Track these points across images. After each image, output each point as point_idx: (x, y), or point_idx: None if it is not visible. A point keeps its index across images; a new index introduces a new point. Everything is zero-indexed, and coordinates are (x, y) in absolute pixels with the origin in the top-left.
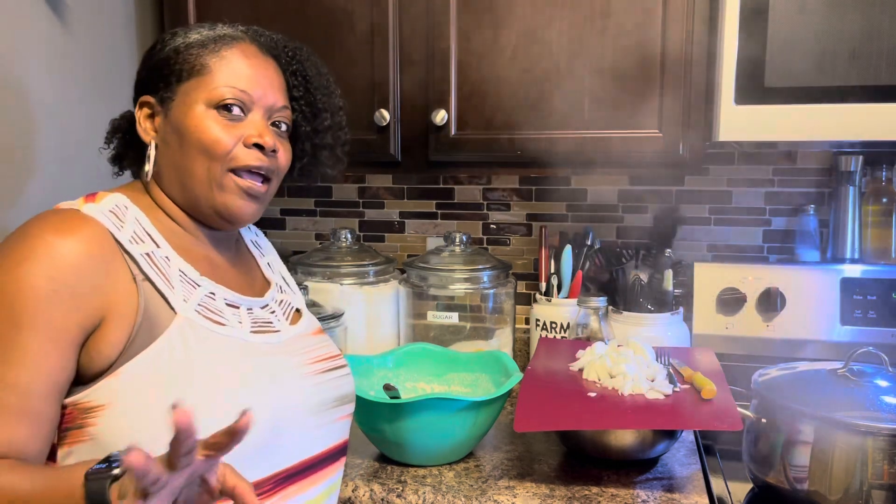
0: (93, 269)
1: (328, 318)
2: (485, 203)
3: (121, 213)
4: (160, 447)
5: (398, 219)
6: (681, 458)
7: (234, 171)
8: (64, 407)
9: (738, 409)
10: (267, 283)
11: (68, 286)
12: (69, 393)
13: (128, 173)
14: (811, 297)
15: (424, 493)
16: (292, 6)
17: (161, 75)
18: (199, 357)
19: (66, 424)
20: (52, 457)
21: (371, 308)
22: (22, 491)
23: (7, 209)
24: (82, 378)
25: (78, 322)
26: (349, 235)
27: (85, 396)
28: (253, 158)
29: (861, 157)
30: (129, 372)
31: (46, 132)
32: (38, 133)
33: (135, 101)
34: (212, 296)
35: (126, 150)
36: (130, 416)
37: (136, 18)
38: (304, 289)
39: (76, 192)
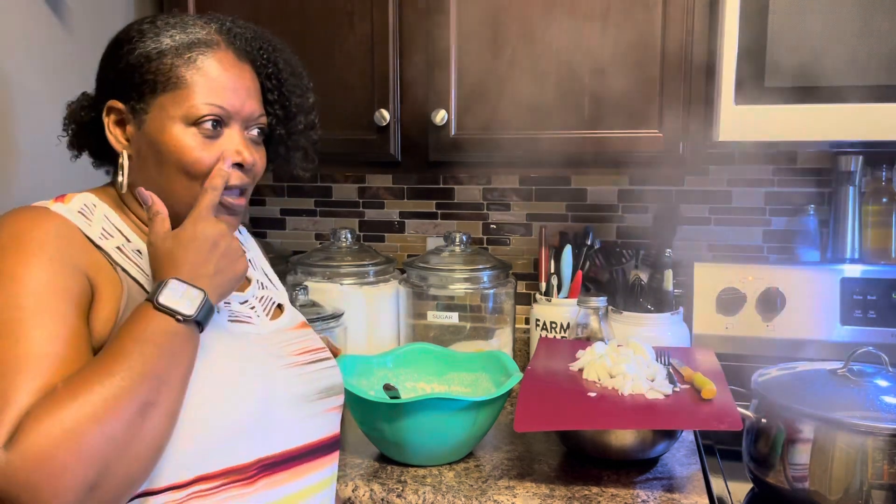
0: (71, 249)
1: (328, 318)
2: (485, 203)
3: (88, 212)
4: None
5: (398, 219)
6: (681, 458)
7: None
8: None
9: (738, 409)
10: (247, 282)
11: (61, 255)
12: None
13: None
14: (811, 297)
15: (424, 493)
16: (292, 6)
17: (132, 84)
18: None
19: None
20: None
21: (371, 308)
22: (116, 352)
23: (7, 207)
24: None
25: (82, 289)
26: (349, 235)
27: None
28: (234, 178)
29: (861, 157)
30: None
31: (46, 132)
32: (37, 132)
33: (99, 99)
34: None
35: (88, 142)
36: None
37: (136, 18)
38: (304, 289)
39: (73, 190)
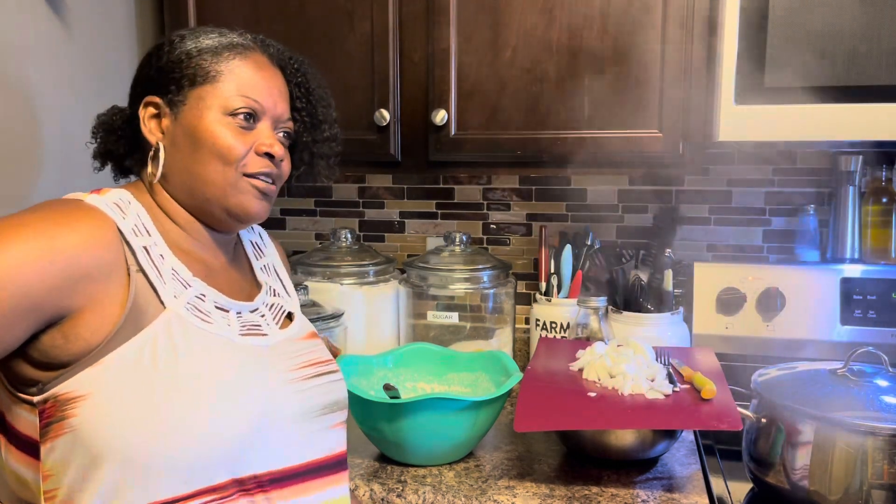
0: (90, 257)
1: (328, 318)
2: (485, 203)
3: (124, 205)
4: (139, 437)
5: (398, 219)
6: (681, 458)
7: (246, 175)
8: (44, 401)
9: (738, 409)
10: (258, 287)
11: (60, 267)
12: (47, 387)
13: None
14: (811, 297)
15: (424, 493)
16: (292, 7)
17: (171, 78)
18: (183, 352)
19: (47, 419)
20: (35, 454)
21: (371, 308)
22: None
23: (8, 208)
24: (54, 362)
25: (54, 301)
26: (349, 235)
27: (65, 387)
28: (263, 166)
29: (861, 157)
30: (112, 361)
31: (46, 132)
32: (38, 133)
33: (135, 98)
34: (202, 297)
35: (118, 146)
36: (111, 407)
37: (136, 18)
38: (304, 289)
39: (75, 191)
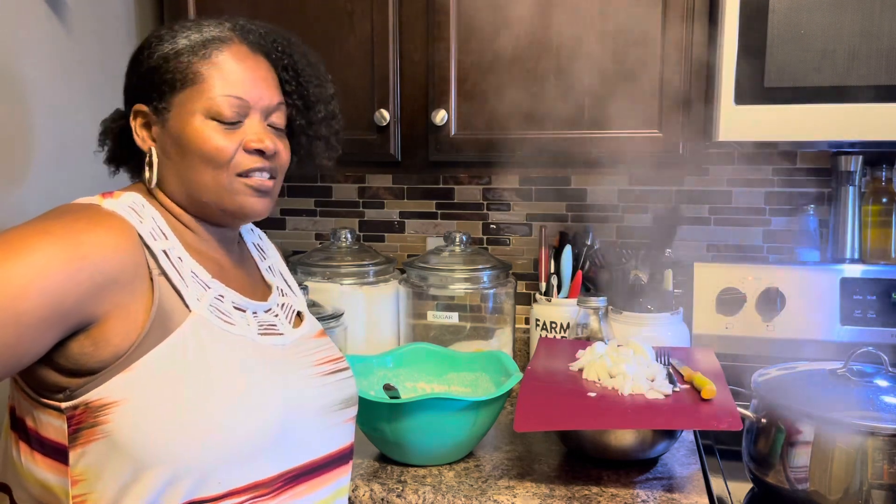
0: (115, 263)
1: (328, 318)
2: (485, 203)
3: (138, 209)
4: (180, 443)
5: (398, 219)
6: (681, 458)
7: (240, 174)
8: (74, 408)
9: (738, 409)
10: (267, 287)
11: (87, 273)
12: (76, 393)
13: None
14: (811, 297)
15: (424, 493)
16: (292, 6)
17: (152, 85)
18: (212, 354)
19: (77, 425)
20: (61, 459)
21: (371, 308)
22: None
23: (7, 208)
24: (82, 369)
25: (82, 308)
26: (349, 235)
27: (96, 394)
28: (254, 162)
29: (861, 157)
30: (143, 367)
31: (46, 132)
32: (37, 133)
33: (126, 106)
34: (220, 298)
35: (121, 151)
36: (147, 413)
37: (136, 18)
38: (303, 289)
39: (75, 192)
